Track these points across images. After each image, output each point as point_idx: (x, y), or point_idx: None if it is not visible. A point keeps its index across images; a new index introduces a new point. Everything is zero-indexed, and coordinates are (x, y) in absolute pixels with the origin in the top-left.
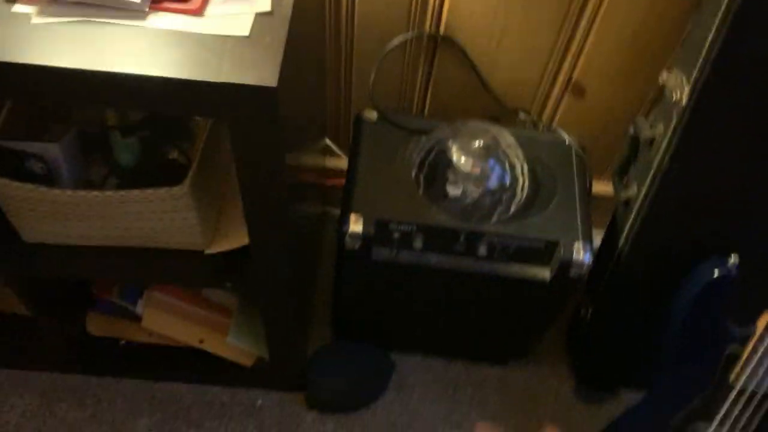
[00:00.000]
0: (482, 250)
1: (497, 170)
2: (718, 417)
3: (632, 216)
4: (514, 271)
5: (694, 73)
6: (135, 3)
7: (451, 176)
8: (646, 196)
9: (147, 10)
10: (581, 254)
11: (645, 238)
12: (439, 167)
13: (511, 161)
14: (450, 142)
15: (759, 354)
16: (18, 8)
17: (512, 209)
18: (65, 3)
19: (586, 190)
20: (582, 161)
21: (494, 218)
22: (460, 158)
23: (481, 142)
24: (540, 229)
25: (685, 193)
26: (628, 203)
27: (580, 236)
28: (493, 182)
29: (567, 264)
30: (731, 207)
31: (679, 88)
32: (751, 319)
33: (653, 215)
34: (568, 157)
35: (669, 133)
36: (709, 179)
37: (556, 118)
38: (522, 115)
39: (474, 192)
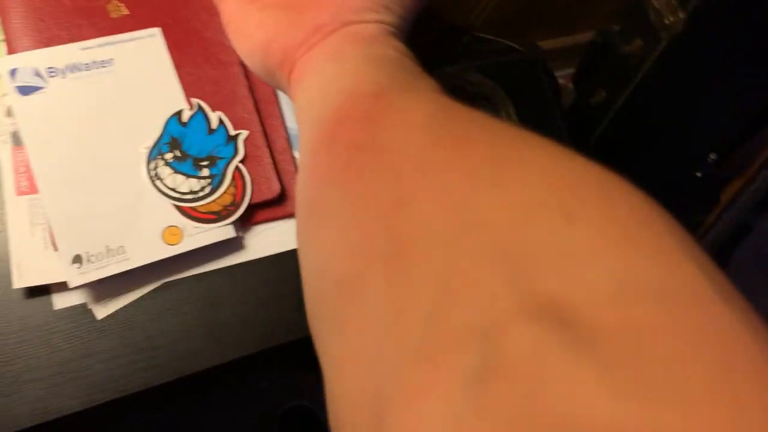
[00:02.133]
0: None
1: None
2: None
3: (604, 122)
4: None
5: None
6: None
7: None
8: (623, 107)
9: (242, 234)
10: None
11: (618, 138)
12: None
13: (499, 113)
14: None
15: None
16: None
17: None
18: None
19: (564, 112)
20: (550, 75)
21: None
22: None
23: (465, 96)
24: None
25: (664, 110)
26: (596, 108)
27: None
28: None
29: None
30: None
31: (671, 12)
32: None
33: (630, 126)
34: (536, 76)
35: (654, 55)
36: (691, 103)
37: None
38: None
39: None
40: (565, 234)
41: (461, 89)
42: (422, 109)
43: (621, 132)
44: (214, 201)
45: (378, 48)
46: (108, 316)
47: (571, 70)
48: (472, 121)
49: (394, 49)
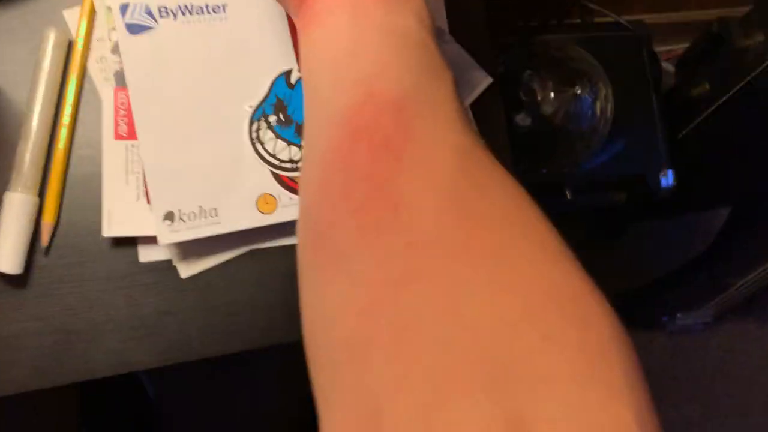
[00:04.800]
0: (565, 193)
1: (583, 109)
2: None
3: (697, 119)
4: (592, 199)
5: None
6: None
7: (525, 109)
8: (726, 103)
9: None
10: (668, 181)
11: (713, 134)
12: (509, 96)
13: (597, 94)
14: (526, 71)
15: None
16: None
17: (595, 147)
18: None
19: (663, 99)
20: (654, 59)
21: (574, 157)
22: (537, 92)
23: (564, 70)
24: (624, 162)
25: None
26: (696, 99)
27: (665, 163)
28: (577, 124)
29: (654, 191)
30: None
31: None
32: None
33: (730, 124)
34: (640, 58)
35: None
36: None
37: None
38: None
39: (550, 129)
40: (540, 355)
41: (560, 62)
42: (446, 165)
43: (717, 131)
44: None
45: (400, 15)
46: (191, 276)
47: (669, 47)
48: (489, 195)
49: (415, 16)
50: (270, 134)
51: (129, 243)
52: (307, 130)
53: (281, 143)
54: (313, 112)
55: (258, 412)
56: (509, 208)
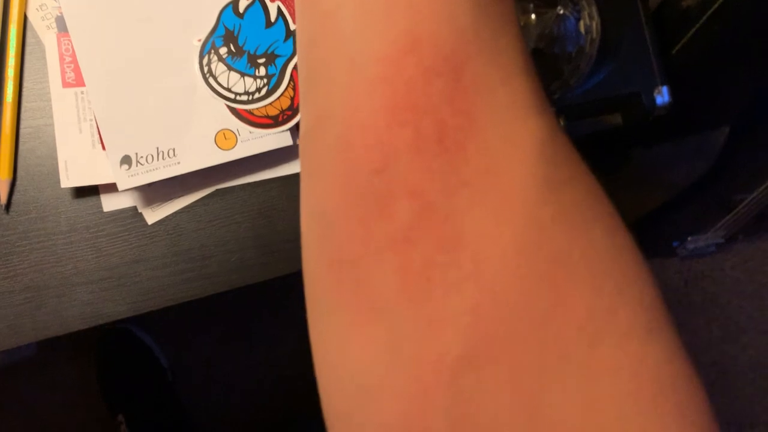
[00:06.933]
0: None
1: (568, 29)
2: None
3: (690, 31)
4: (587, 126)
5: None
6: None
7: None
8: (719, 11)
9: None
10: (663, 98)
11: (707, 46)
12: None
13: (582, 15)
14: None
15: None
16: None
17: (584, 69)
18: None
19: (651, 13)
20: None
21: (563, 82)
22: (517, 16)
23: None
24: (617, 83)
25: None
26: (688, 10)
27: (659, 80)
28: (562, 46)
29: (649, 110)
30: None
31: None
32: None
33: (724, 34)
34: None
35: None
36: None
37: None
38: None
39: (536, 54)
40: None
41: None
42: (525, 176)
43: (710, 43)
44: (270, 104)
45: None
46: (158, 221)
47: None
48: (580, 227)
49: None
50: (222, 67)
51: (91, 193)
52: (308, 54)
53: (234, 75)
54: (319, 31)
55: (273, 376)
56: (601, 246)
